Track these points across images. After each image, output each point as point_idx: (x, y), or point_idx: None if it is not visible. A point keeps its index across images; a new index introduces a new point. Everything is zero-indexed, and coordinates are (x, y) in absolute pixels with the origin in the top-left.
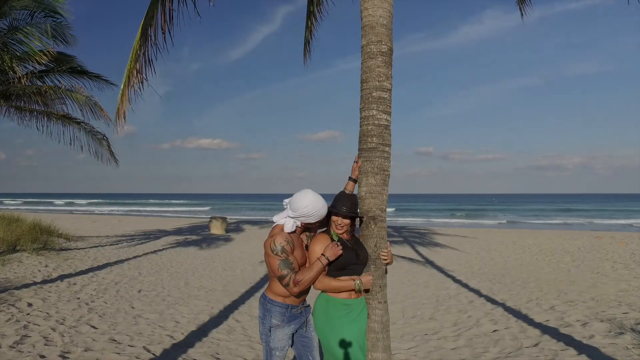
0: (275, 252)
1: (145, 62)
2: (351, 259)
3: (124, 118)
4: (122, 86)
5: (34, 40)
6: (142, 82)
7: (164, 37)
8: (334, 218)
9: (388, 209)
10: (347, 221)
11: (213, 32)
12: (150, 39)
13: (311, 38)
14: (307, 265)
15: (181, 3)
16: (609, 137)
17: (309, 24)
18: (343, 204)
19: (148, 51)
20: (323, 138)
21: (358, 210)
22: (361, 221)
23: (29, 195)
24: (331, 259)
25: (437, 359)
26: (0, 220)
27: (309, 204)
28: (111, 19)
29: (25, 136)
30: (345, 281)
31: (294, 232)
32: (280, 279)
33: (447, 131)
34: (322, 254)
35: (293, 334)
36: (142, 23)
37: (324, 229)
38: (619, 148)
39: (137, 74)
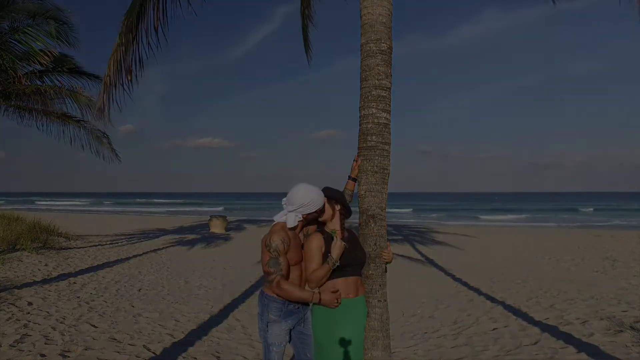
0: (269, 249)
1: (135, 60)
2: (348, 258)
3: (108, 115)
4: (102, 83)
5: (35, 41)
6: (130, 80)
7: (157, 34)
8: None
9: (406, 210)
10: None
11: (212, 31)
12: (141, 37)
13: (308, 37)
14: (302, 264)
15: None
16: (610, 136)
17: (304, 24)
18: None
19: (139, 49)
20: (323, 137)
21: (345, 201)
22: (347, 209)
23: (25, 194)
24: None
25: (437, 357)
26: (0, 219)
27: (305, 193)
28: (111, 18)
29: (24, 135)
30: (306, 292)
31: (295, 228)
32: (267, 274)
33: (448, 130)
34: (328, 261)
35: (291, 330)
36: (124, 18)
37: (320, 229)
38: (620, 146)
39: (125, 73)
